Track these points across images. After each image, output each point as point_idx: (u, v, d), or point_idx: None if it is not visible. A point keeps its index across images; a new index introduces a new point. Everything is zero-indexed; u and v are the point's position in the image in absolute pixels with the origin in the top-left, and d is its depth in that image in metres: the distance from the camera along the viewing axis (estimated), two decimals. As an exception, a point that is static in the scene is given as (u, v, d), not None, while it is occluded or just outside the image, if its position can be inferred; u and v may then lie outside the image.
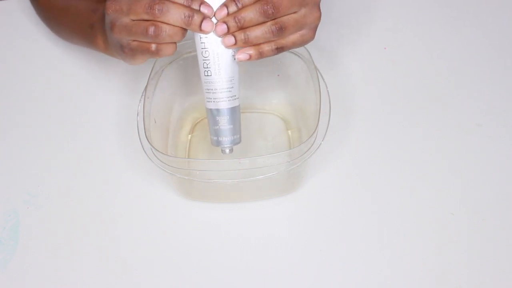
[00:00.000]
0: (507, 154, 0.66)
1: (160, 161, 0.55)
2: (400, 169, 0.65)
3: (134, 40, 0.49)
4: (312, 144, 0.55)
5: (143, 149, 0.56)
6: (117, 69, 0.75)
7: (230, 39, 0.49)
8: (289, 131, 0.68)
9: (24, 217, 0.62)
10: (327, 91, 0.59)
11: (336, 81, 0.72)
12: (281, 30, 0.49)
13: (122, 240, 0.60)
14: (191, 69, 0.67)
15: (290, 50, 0.63)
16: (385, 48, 0.77)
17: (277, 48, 0.50)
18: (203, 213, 0.62)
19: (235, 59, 0.51)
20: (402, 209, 0.61)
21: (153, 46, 0.49)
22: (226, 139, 0.54)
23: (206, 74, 0.51)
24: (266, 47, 0.50)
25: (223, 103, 0.52)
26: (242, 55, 0.50)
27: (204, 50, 0.50)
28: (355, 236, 0.59)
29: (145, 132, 0.56)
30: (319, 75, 0.60)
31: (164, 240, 0.60)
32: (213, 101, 0.53)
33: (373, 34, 0.79)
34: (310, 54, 0.61)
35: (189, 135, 0.68)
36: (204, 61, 0.51)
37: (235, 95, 0.53)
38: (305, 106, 0.65)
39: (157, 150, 0.54)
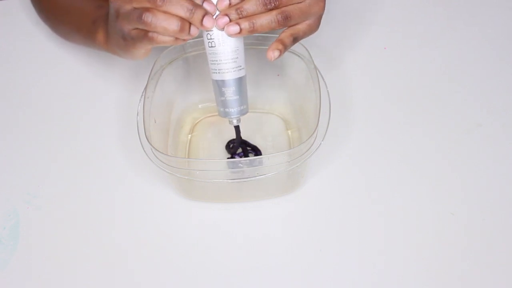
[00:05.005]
0: (507, 154, 0.66)
1: (160, 161, 0.55)
2: (400, 169, 0.65)
3: (134, 29, 0.50)
4: (312, 144, 0.55)
5: (143, 149, 0.56)
6: (117, 69, 0.75)
7: (235, 28, 0.49)
8: (289, 131, 0.68)
9: (24, 217, 0.62)
10: (327, 91, 0.59)
11: (336, 81, 0.72)
12: (286, 19, 0.49)
13: (122, 239, 0.60)
14: (191, 69, 0.67)
15: (290, 50, 0.63)
16: (385, 48, 0.77)
17: (293, 38, 0.51)
18: (202, 213, 0.62)
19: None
20: (402, 209, 0.61)
21: (150, 33, 0.49)
22: (233, 110, 0.54)
23: (210, 46, 0.51)
24: (285, 39, 0.51)
25: (228, 74, 0.52)
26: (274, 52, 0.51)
27: None
28: (355, 236, 0.59)
29: (145, 132, 0.56)
30: (319, 75, 0.60)
31: (164, 240, 0.60)
32: (218, 72, 0.52)
33: (373, 34, 0.79)
34: (310, 54, 0.61)
35: (189, 135, 0.68)
36: (208, 32, 0.50)
37: (240, 66, 0.52)
38: (305, 106, 0.65)
39: (157, 150, 0.54)
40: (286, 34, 0.51)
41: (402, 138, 0.67)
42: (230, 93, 0.53)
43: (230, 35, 0.49)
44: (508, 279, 0.56)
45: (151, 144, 0.55)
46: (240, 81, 0.53)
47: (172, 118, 0.67)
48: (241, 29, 0.49)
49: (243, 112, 0.55)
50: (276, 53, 0.50)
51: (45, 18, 0.73)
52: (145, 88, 0.59)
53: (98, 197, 0.64)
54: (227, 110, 0.55)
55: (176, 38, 0.49)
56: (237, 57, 0.52)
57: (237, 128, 0.59)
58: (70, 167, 0.66)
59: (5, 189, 0.65)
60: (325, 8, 0.53)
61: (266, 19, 0.49)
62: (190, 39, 0.50)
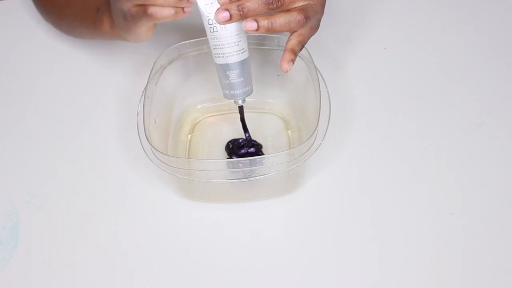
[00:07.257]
0: (507, 154, 0.66)
1: (160, 161, 0.55)
2: (400, 169, 0.65)
3: (133, 6, 0.50)
4: (312, 144, 0.55)
5: (143, 149, 0.56)
6: (118, 69, 0.75)
7: (252, 24, 0.49)
8: (289, 131, 0.68)
9: (24, 217, 0.62)
10: (327, 91, 0.59)
11: (336, 81, 0.72)
12: (307, 20, 0.50)
13: (122, 240, 0.60)
14: (191, 69, 0.67)
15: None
16: (385, 48, 0.77)
17: (301, 45, 0.52)
18: (203, 213, 0.62)
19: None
20: (402, 209, 0.61)
21: (149, 9, 0.49)
22: (238, 92, 0.55)
23: (211, 31, 0.51)
24: (295, 47, 0.52)
25: (232, 57, 0.52)
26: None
27: (207, 5, 0.50)
28: (355, 236, 0.59)
29: (145, 132, 0.56)
30: (319, 75, 0.60)
31: (164, 240, 0.60)
32: (222, 56, 0.52)
33: (373, 34, 0.79)
34: (310, 54, 0.61)
35: (189, 135, 0.68)
36: (209, 17, 0.50)
37: (243, 48, 0.52)
38: (305, 106, 0.65)
39: (157, 150, 0.54)
40: (294, 42, 0.52)
41: (402, 138, 0.67)
42: (235, 76, 0.53)
43: (246, 30, 0.49)
44: (508, 279, 0.56)
45: (151, 144, 0.55)
46: (244, 64, 0.53)
47: (172, 118, 0.67)
48: (258, 27, 0.49)
49: (247, 93, 0.56)
50: (291, 65, 0.51)
51: (46, 14, 0.73)
52: (145, 88, 0.59)
53: (98, 197, 0.64)
54: (232, 92, 0.55)
55: (176, 12, 0.49)
56: (240, 40, 0.52)
57: (241, 108, 0.59)
58: (70, 167, 0.66)
59: (5, 189, 0.65)
60: (325, 8, 0.53)
61: (285, 19, 0.49)
62: (188, 12, 0.49)
